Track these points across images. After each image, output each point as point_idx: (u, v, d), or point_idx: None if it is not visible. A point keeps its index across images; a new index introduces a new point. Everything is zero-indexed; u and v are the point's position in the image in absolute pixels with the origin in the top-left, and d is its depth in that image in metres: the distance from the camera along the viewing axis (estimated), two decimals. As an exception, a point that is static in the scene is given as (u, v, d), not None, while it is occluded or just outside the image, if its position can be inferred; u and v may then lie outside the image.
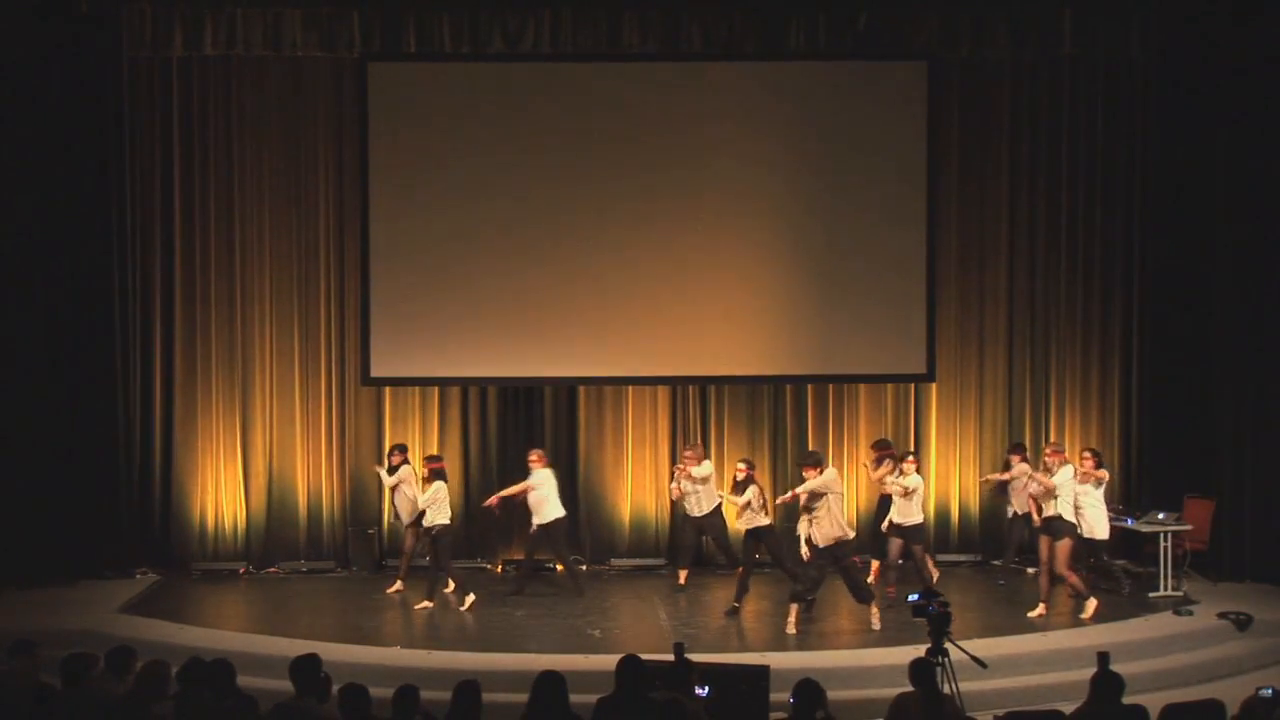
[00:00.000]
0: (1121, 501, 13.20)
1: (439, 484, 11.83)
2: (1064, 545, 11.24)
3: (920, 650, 7.88)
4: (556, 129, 13.14)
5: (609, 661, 7.08)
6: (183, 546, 13.25)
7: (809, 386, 13.70)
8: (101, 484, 12.81)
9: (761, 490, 11.80)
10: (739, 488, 11.80)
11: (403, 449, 12.57)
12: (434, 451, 12.79)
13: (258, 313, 13.34)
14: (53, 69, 12.41)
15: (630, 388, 13.63)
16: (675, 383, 13.61)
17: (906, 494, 11.86)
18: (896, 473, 12.08)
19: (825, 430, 13.71)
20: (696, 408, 13.74)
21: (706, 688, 7.33)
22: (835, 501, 10.84)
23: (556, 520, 12.21)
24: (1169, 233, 13.36)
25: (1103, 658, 7.64)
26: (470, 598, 11.73)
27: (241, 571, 13.20)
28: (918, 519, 11.98)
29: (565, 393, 13.63)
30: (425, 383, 13.46)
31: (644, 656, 6.99)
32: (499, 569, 13.26)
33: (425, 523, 11.83)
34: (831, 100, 13.24)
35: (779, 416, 13.72)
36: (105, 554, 12.73)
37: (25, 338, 12.36)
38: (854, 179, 13.24)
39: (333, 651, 9.44)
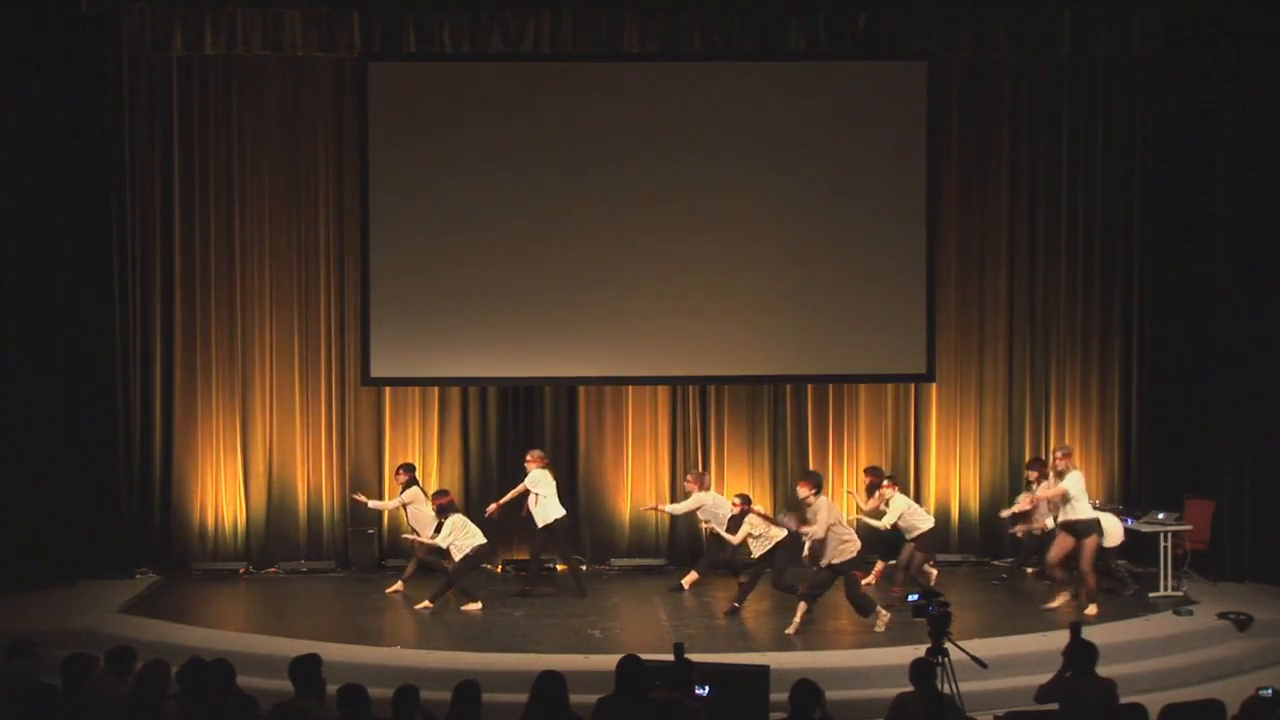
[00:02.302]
0: (1121, 501, 13.21)
1: (455, 517, 11.82)
2: (1091, 543, 11.38)
3: (920, 650, 7.89)
4: (556, 129, 13.14)
5: (609, 661, 7.09)
6: (183, 546, 13.25)
7: (809, 386, 13.70)
8: (101, 484, 12.80)
9: (762, 516, 11.79)
10: (733, 524, 11.90)
11: (409, 468, 12.54)
12: (407, 460, 12.90)
13: (258, 313, 13.34)
14: (53, 69, 12.41)
15: (630, 388, 13.62)
16: (675, 383, 13.60)
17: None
18: (881, 503, 12.23)
19: (825, 430, 13.71)
20: (696, 408, 13.74)
21: (706, 688, 7.33)
22: (831, 528, 10.79)
23: (557, 520, 12.22)
24: (1169, 233, 13.36)
25: (1074, 628, 7.92)
26: (475, 605, 11.69)
27: (241, 571, 13.19)
28: (926, 526, 12.04)
29: (565, 393, 13.63)
30: (425, 383, 13.46)
31: (644, 656, 6.99)
32: (499, 569, 13.25)
33: (457, 553, 11.71)
34: (831, 100, 13.24)
35: (779, 416, 13.72)
36: (105, 554, 12.73)
37: (25, 338, 12.36)
38: (854, 179, 13.24)
39: (333, 651, 9.43)
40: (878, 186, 13.25)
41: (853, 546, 10.82)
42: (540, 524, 12.19)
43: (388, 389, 13.45)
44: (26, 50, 12.28)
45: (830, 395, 13.75)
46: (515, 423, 13.63)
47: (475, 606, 11.65)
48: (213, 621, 11.37)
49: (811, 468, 13.56)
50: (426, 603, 11.68)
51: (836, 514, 11.05)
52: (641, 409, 13.66)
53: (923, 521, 12.14)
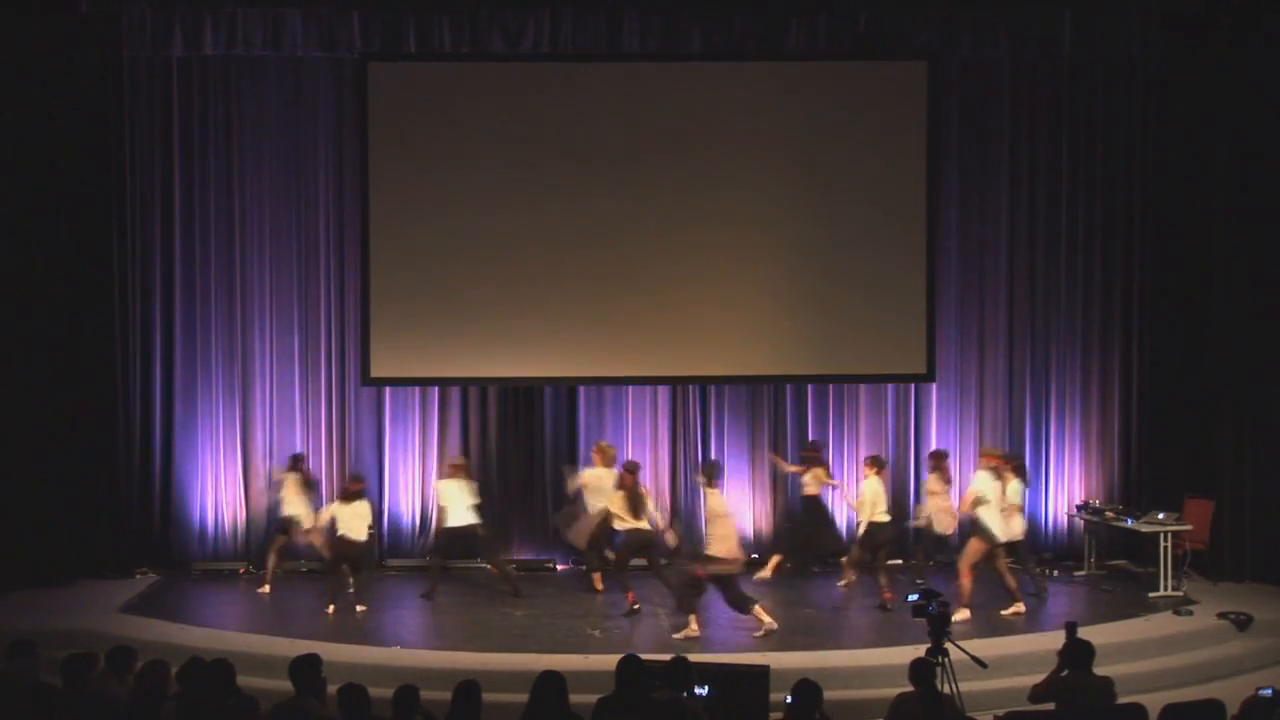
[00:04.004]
0: (1122, 501, 13.22)
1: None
2: (972, 545, 11.26)
3: (920, 650, 7.89)
4: (556, 129, 13.13)
5: (609, 661, 7.09)
6: (183, 546, 13.25)
7: (809, 386, 13.70)
8: (101, 484, 12.83)
9: (630, 499, 11.67)
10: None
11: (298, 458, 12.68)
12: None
13: (258, 313, 13.34)
14: (53, 69, 12.42)
15: (630, 388, 13.62)
16: (675, 383, 13.60)
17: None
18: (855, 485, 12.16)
19: (825, 430, 13.70)
20: (696, 408, 13.73)
21: (706, 688, 7.33)
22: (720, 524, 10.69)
23: (454, 529, 12.13)
24: (1169, 232, 13.37)
25: (1070, 627, 7.99)
26: (360, 608, 11.62)
27: (241, 571, 13.19)
28: (878, 519, 11.77)
29: (565, 393, 13.62)
30: (425, 383, 13.46)
31: (644, 656, 6.99)
32: (497, 570, 13.23)
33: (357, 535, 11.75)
34: (831, 100, 13.24)
35: (779, 416, 13.72)
36: (105, 554, 12.74)
37: (25, 338, 12.36)
38: (854, 179, 13.24)
39: (333, 651, 9.44)
40: (878, 186, 13.25)
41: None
42: (438, 527, 12.32)
43: (388, 389, 13.45)
44: (27, 50, 12.28)
45: (830, 395, 13.75)
46: (515, 423, 13.62)
47: (361, 609, 11.61)
48: (213, 621, 11.35)
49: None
50: (361, 606, 11.60)
51: (725, 507, 10.89)
52: (641, 409, 13.66)
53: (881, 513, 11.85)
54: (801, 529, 12.88)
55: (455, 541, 12.27)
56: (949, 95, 13.43)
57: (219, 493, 13.32)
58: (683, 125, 13.17)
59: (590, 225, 13.17)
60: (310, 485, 12.48)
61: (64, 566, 12.39)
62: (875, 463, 12.03)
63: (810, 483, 12.75)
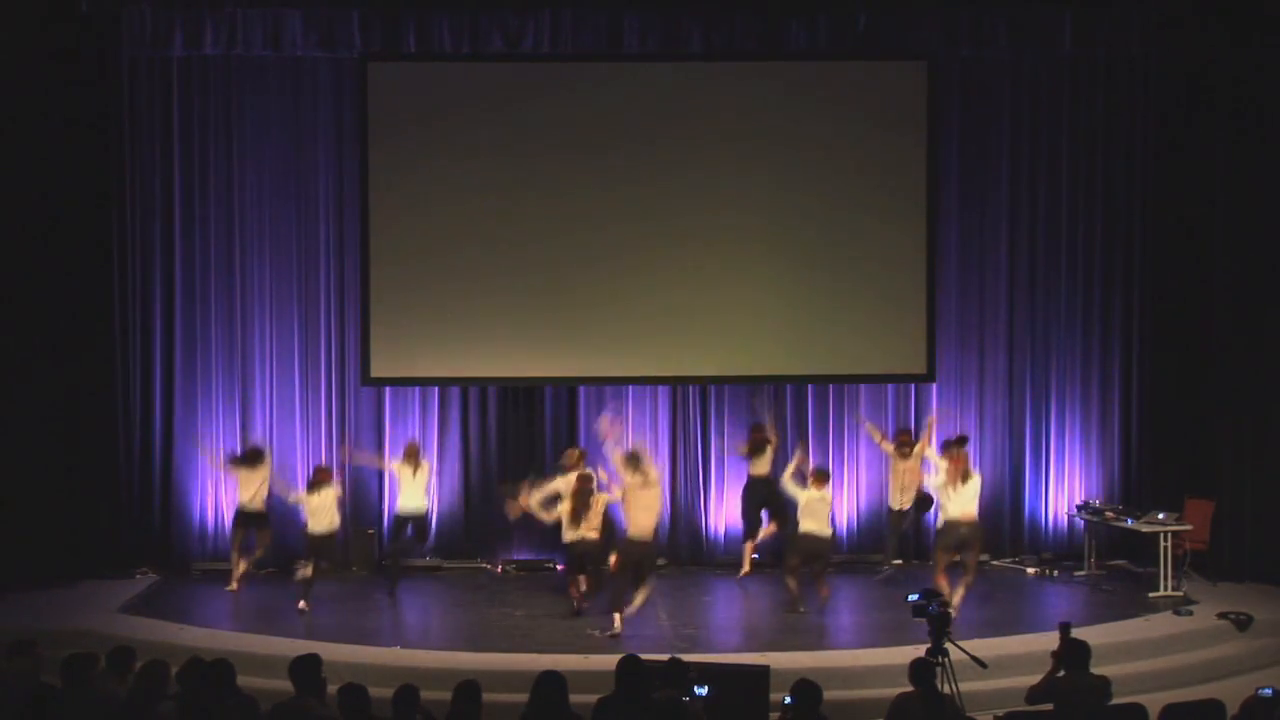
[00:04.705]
0: (1122, 501, 13.22)
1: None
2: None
3: (920, 650, 7.89)
4: (556, 129, 13.14)
5: (609, 661, 7.10)
6: (183, 546, 13.25)
7: (809, 387, 13.70)
8: (101, 484, 12.82)
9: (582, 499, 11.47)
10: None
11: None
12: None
13: (258, 313, 13.34)
14: (53, 69, 12.42)
15: (630, 388, 13.62)
16: (675, 383, 13.60)
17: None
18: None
19: (825, 430, 13.71)
20: (696, 408, 13.73)
21: (706, 688, 7.34)
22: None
23: (400, 515, 12.47)
24: (1169, 232, 13.37)
25: (1064, 627, 7.99)
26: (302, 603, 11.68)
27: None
28: (805, 529, 11.48)
29: (565, 393, 13.62)
30: (425, 383, 13.46)
31: (644, 656, 7.00)
32: (499, 569, 13.26)
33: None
34: (831, 100, 13.24)
35: (779, 416, 13.69)
36: (105, 554, 12.74)
37: (25, 338, 12.36)
38: (854, 179, 13.24)
39: (333, 651, 9.45)
40: (878, 187, 13.24)
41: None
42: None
43: (388, 389, 13.45)
44: (27, 50, 12.28)
45: (830, 395, 13.74)
46: (515, 423, 13.62)
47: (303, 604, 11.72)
48: (213, 621, 11.36)
49: (813, 467, 13.57)
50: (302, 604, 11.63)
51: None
52: (641, 409, 13.65)
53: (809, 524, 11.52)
54: (749, 510, 12.84)
55: (402, 525, 12.46)
56: (949, 95, 13.43)
57: (219, 493, 13.32)
58: (683, 126, 13.17)
59: (590, 225, 13.16)
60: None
61: (64, 566, 12.37)
62: (819, 476, 11.65)
63: (759, 462, 12.71)
